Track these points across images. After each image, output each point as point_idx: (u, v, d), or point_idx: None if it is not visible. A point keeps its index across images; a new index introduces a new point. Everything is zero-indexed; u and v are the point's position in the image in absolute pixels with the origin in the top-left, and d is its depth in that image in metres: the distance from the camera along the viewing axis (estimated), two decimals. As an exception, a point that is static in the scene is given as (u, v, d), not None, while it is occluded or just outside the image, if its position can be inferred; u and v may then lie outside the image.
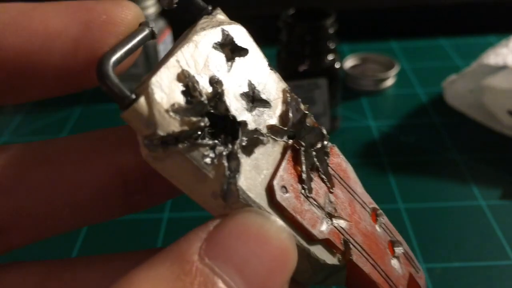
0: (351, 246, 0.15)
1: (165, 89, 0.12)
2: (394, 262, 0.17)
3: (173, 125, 0.12)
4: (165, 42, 0.50)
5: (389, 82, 0.50)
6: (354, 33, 0.59)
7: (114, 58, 0.12)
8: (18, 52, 0.13)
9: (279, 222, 0.13)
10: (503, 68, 0.41)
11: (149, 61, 0.49)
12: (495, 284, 0.29)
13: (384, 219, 0.17)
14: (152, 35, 0.14)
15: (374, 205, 0.17)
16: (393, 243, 0.17)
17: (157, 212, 0.35)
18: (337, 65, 0.41)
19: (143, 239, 0.33)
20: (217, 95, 0.13)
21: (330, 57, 0.40)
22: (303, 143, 0.15)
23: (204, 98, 0.13)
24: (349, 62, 0.53)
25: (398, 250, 0.17)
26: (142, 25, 0.14)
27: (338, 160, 0.17)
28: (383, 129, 0.44)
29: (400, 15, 0.62)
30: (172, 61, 0.13)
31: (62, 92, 0.14)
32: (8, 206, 0.14)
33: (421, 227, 0.33)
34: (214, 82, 0.13)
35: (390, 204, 0.35)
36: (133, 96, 0.12)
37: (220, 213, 0.13)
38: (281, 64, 0.41)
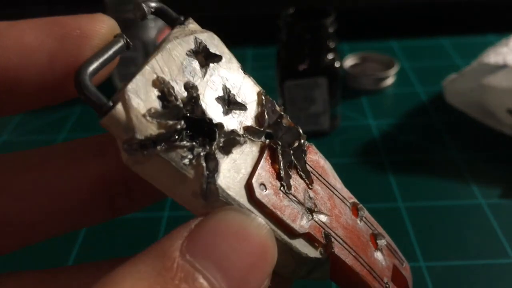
0: (332, 239, 0.15)
1: (141, 95, 0.13)
2: (378, 255, 0.17)
3: (151, 128, 0.12)
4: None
5: (389, 81, 0.50)
6: (354, 32, 0.59)
7: (90, 68, 0.13)
8: None
9: (259, 219, 0.13)
10: (503, 67, 0.41)
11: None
12: (495, 283, 0.29)
13: (365, 213, 0.18)
14: (127, 46, 0.14)
15: (354, 199, 0.18)
16: (375, 236, 0.18)
17: (157, 210, 0.35)
18: (337, 64, 0.41)
19: (143, 238, 0.33)
20: (193, 99, 0.14)
21: (330, 56, 0.40)
22: (279, 142, 0.16)
23: (179, 102, 0.13)
24: (349, 61, 0.53)
25: (381, 242, 0.18)
26: (117, 36, 0.14)
27: (316, 158, 0.17)
28: (383, 128, 0.44)
29: (400, 14, 0.62)
30: (147, 68, 0.13)
31: (42, 104, 0.15)
32: None
33: (421, 225, 0.33)
34: (189, 87, 0.14)
35: (390, 202, 0.35)
36: (111, 103, 0.12)
37: (202, 213, 0.13)
38: (281, 63, 0.41)
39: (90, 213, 0.16)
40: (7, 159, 0.15)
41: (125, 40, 0.14)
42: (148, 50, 0.48)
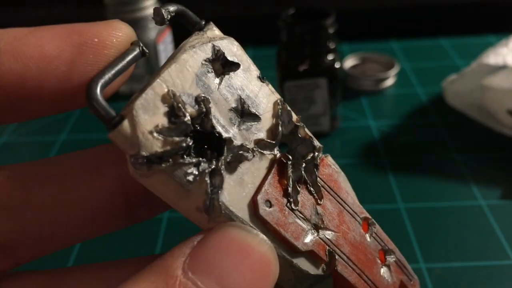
0: (336, 256, 0.15)
1: (149, 111, 0.13)
2: (384, 271, 0.17)
3: (156, 145, 0.13)
4: (165, 42, 0.50)
5: (389, 82, 0.50)
6: (354, 33, 0.59)
7: (102, 81, 0.13)
8: (16, 77, 0.13)
9: (261, 235, 0.13)
10: (503, 67, 0.41)
11: (149, 61, 0.49)
12: (495, 284, 0.29)
13: (376, 228, 0.17)
14: (143, 53, 0.14)
15: (366, 214, 0.17)
16: (385, 252, 0.17)
17: (157, 212, 0.35)
18: (337, 65, 0.41)
19: (143, 239, 0.33)
20: (203, 113, 0.14)
21: (330, 57, 0.40)
22: (290, 157, 0.15)
23: (187, 119, 0.13)
24: (349, 62, 0.53)
25: (390, 258, 0.17)
26: (133, 44, 0.14)
27: (329, 171, 0.17)
28: (383, 129, 0.44)
29: (400, 15, 0.62)
30: (158, 81, 0.13)
31: (59, 111, 0.15)
32: (15, 225, 0.15)
33: (421, 226, 0.33)
34: (200, 100, 0.14)
35: (390, 203, 0.35)
36: (118, 119, 0.12)
37: (206, 226, 0.13)
38: (281, 64, 0.41)
39: (109, 221, 0.16)
40: (25, 170, 0.15)
41: (140, 48, 0.14)
42: (148, 51, 0.48)
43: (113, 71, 0.13)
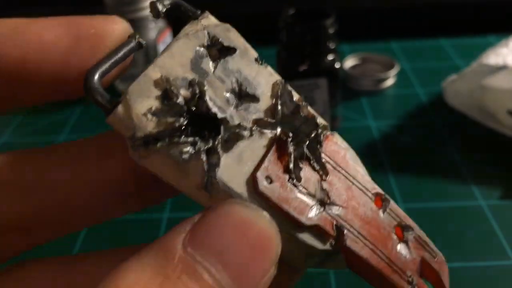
0: (345, 231, 0.15)
1: (143, 95, 0.13)
2: (401, 247, 0.17)
3: (150, 126, 0.13)
4: (165, 41, 0.50)
5: (389, 82, 0.50)
6: (354, 33, 0.59)
7: (99, 70, 0.14)
8: (16, 61, 0.14)
9: (260, 211, 0.13)
10: (503, 68, 0.41)
11: (149, 60, 0.49)
12: (495, 284, 0.29)
13: (390, 203, 0.17)
14: (139, 46, 0.15)
15: (378, 190, 0.17)
16: (402, 228, 0.17)
17: (157, 212, 0.35)
18: (337, 65, 0.41)
19: (143, 239, 0.33)
20: (197, 95, 0.14)
21: (330, 57, 0.40)
22: (290, 134, 0.15)
23: (180, 100, 0.14)
24: (349, 62, 0.53)
25: (408, 234, 0.17)
26: (130, 37, 0.15)
27: (335, 148, 0.17)
28: (383, 129, 0.44)
29: (400, 15, 0.62)
30: (151, 68, 0.14)
31: (57, 97, 0.16)
32: (30, 205, 0.15)
33: (421, 226, 0.33)
34: (194, 83, 0.14)
35: (390, 204, 0.35)
36: (114, 104, 0.13)
37: (207, 204, 0.14)
38: (281, 64, 0.41)
39: (120, 203, 0.17)
40: (38, 153, 0.16)
41: (137, 41, 0.15)
42: (149, 51, 0.48)
43: (110, 62, 0.14)
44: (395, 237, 0.17)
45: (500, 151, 0.40)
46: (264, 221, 0.13)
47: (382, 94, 0.50)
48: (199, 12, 0.16)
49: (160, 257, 0.12)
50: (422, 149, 0.41)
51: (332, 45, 0.40)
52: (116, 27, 0.15)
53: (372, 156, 0.40)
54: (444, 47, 0.58)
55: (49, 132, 0.46)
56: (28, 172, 0.15)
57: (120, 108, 0.13)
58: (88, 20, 0.15)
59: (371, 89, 0.50)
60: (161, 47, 0.49)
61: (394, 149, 0.41)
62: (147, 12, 0.48)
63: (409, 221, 0.18)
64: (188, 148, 0.13)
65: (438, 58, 0.56)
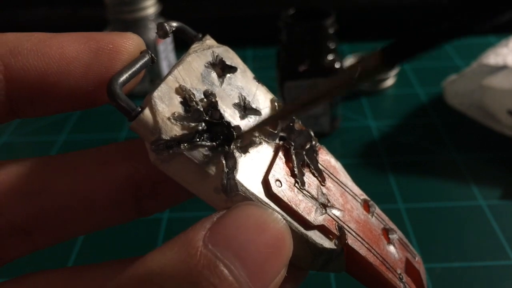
0: (346, 231, 0.16)
1: (166, 101, 0.14)
2: (390, 248, 0.18)
3: (175, 130, 0.14)
4: (165, 42, 0.50)
5: (389, 82, 0.50)
6: (354, 33, 0.59)
7: (121, 79, 0.15)
8: (39, 73, 0.15)
9: (276, 213, 0.14)
10: (503, 68, 0.41)
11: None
12: (495, 284, 0.29)
13: (376, 209, 0.19)
14: (152, 60, 0.16)
15: (365, 196, 0.19)
16: (387, 231, 0.19)
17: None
18: (337, 65, 0.41)
19: (143, 239, 0.33)
20: (212, 104, 0.15)
21: (330, 57, 0.40)
22: (292, 143, 0.17)
23: (200, 107, 0.15)
24: (349, 62, 0.53)
25: (393, 236, 0.19)
26: (143, 52, 0.16)
27: (327, 158, 0.18)
28: (383, 129, 0.44)
29: (400, 15, 0.62)
30: (170, 78, 0.15)
31: (76, 108, 0.17)
32: (31, 210, 0.16)
33: (421, 227, 0.33)
34: (209, 94, 0.16)
35: (390, 204, 0.35)
36: (139, 109, 0.14)
37: (224, 207, 0.14)
38: (281, 64, 0.41)
39: (119, 212, 0.18)
40: (44, 162, 0.17)
41: (150, 56, 0.16)
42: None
43: (129, 72, 0.15)
44: (383, 238, 0.18)
45: (500, 151, 0.40)
46: (279, 223, 0.14)
47: (382, 94, 0.50)
48: (200, 35, 0.18)
49: (183, 251, 0.13)
50: (422, 150, 0.41)
51: (332, 45, 0.40)
52: (131, 43, 0.16)
53: (372, 156, 0.40)
54: (444, 47, 0.58)
55: (49, 132, 0.46)
56: (32, 179, 0.16)
57: (146, 113, 0.14)
58: (105, 36, 0.16)
59: (371, 89, 0.50)
60: (161, 47, 0.49)
61: (394, 149, 0.41)
62: (147, 12, 0.48)
63: (392, 225, 0.19)
64: (209, 152, 0.14)
65: (438, 58, 0.56)
